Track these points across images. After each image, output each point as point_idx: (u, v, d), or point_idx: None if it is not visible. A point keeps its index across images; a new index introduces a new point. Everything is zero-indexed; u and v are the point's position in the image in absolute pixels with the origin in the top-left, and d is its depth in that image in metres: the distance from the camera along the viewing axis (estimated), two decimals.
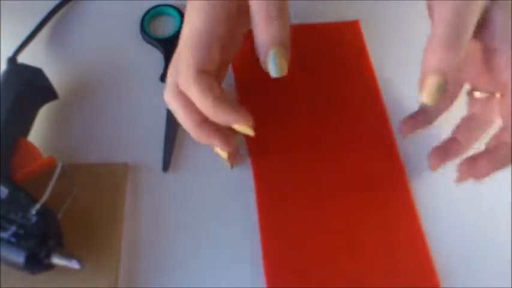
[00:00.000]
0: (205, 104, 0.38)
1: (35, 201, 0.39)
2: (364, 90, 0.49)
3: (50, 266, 0.39)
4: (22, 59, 0.48)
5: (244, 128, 0.40)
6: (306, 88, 0.49)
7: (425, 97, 0.36)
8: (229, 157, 0.43)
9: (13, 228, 0.37)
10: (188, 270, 0.42)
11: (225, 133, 0.41)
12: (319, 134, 0.47)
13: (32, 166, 0.42)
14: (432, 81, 0.36)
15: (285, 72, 0.36)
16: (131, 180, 0.45)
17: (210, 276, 0.42)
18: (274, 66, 0.36)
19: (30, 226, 0.38)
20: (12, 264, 0.38)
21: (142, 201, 0.45)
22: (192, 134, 0.41)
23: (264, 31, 0.35)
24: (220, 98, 0.38)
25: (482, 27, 0.37)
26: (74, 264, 0.38)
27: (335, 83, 0.49)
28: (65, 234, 0.40)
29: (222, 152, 0.42)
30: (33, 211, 0.38)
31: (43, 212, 0.38)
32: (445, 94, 0.36)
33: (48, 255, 0.38)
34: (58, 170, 0.41)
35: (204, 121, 0.40)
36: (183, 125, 0.40)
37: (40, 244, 0.38)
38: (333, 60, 0.50)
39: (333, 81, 0.49)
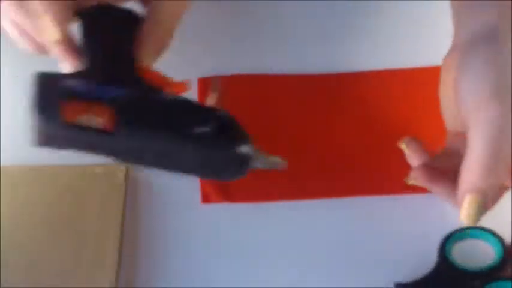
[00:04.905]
0: None
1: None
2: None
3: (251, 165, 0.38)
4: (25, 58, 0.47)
5: None
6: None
7: (464, 217, 0.36)
8: None
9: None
10: (188, 270, 0.42)
11: None
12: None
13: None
14: (471, 201, 0.35)
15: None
16: (131, 180, 0.46)
17: (210, 276, 0.42)
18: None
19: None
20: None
21: (142, 202, 0.45)
22: None
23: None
24: None
25: None
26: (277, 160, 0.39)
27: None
28: (64, 235, 0.40)
29: None
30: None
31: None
32: (485, 212, 0.36)
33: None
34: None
35: None
36: None
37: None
38: None
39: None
